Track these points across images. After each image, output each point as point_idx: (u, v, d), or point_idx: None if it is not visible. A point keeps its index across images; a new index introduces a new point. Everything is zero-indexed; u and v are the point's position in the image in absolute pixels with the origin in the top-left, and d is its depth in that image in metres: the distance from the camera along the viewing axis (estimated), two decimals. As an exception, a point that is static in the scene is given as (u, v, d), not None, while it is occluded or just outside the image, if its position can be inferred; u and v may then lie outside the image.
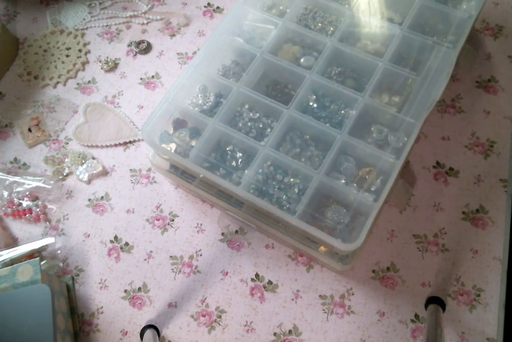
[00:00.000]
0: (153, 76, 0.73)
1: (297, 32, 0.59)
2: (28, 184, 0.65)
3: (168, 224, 0.63)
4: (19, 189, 0.65)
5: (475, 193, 0.62)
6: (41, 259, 0.61)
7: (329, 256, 0.54)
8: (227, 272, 0.60)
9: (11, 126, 0.71)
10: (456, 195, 0.62)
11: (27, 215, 0.64)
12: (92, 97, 0.72)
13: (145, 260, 0.62)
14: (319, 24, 0.60)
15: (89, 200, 0.66)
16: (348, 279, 0.59)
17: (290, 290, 0.59)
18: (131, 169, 0.67)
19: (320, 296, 0.58)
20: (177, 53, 0.75)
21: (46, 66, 0.75)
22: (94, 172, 0.66)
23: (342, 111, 0.55)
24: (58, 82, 0.74)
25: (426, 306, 0.57)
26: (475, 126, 0.66)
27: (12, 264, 0.56)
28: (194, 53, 0.74)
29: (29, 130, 0.70)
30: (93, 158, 0.68)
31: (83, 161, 0.67)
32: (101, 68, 0.74)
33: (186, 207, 0.64)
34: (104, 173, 0.67)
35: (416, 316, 0.57)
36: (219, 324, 0.58)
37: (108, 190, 0.66)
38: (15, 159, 0.69)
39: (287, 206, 0.51)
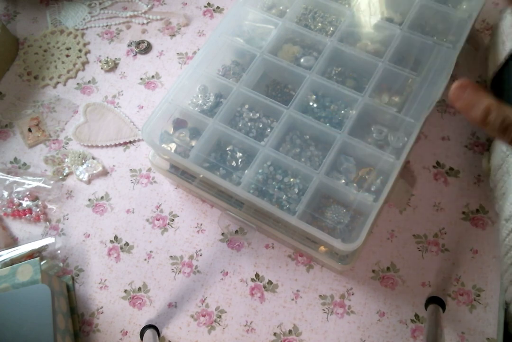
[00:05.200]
0: (153, 76, 0.73)
1: (297, 32, 0.59)
2: (28, 184, 0.65)
3: (168, 224, 0.63)
4: (19, 189, 0.65)
5: (475, 193, 0.62)
6: (41, 259, 0.61)
7: (329, 256, 0.54)
8: (227, 272, 0.60)
9: (11, 126, 0.71)
10: (456, 195, 0.62)
11: (27, 215, 0.64)
12: (92, 97, 0.72)
13: (145, 260, 0.62)
14: (319, 24, 0.60)
15: (89, 200, 0.66)
16: (348, 279, 0.59)
17: (290, 290, 0.59)
18: (131, 170, 0.67)
19: (320, 296, 0.58)
20: (177, 53, 0.75)
21: (46, 66, 0.75)
22: (94, 171, 0.66)
23: (342, 111, 0.55)
24: (58, 82, 0.74)
25: (426, 306, 0.57)
26: (475, 126, 0.66)
27: (12, 264, 0.57)
28: (194, 53, 0.74)
29: (29, 130, 0.70)
30: (93, 158, 0.68)
31: (83, 161, 0.67)
32: (101, 68, 0.74)
33: (186, 207, 0.64)
34: (104, 172, 0.67)
35: (416, 316, 0.57)
36: (219, 324, 0.58)
37: (108, 190, 0.66)
38: (15, 159, 0.69)
39: (287, 206, 0.51)
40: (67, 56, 0.75)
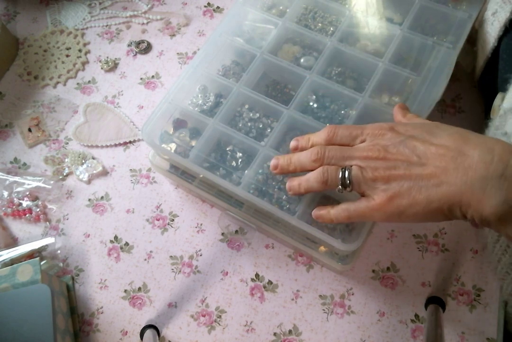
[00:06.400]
0: (153, 76, 0.73)
1: (297, 32, 0.59)
2: (28, 184, 0.65)
3: (168, 224, 0.63)
4: (19, 189, 0.65)
5: (475, 193, 0.62)
6: (41, 259, 0.61)
7: (329, 256, 0.54)
8: (227, 272, 0.60)
9: (11, 126, 0.71)
10: (456, 195, 0.62)
11: (27, 215, 0.64)
12: (92, 97, 0.72)
13: (145, 260, 0.62)
14: (319, 24, 0.60)
15: (89, 200, 0.66)
16: (348, 279, 0.59)
17: (290, 290, 0.59)
18: (131, 169, 0.67)
19: (320, 296, 0.58)
20: (177, 53, 0.75)
21: (46, 66, 0.75)
22: (94, 172, 0.67)
23: (342, 112, 0.55)
24: (58, 82, 0.74)
25: (426, 306, 0.57)
26: (475, 126, 0.66)
27: (12, 264, 0.57)
28: (194, 53, 0.74)
29: (29, 130, 0.70)
30: (93, 158, 0.68)
31: (83, 161, 0.67)
32: (101, 68, 0.74)
33: (186, 207, 0.64)
34: (104, 173, 0.67)
35: (416, 316, 0.57)
36: (219, 324, 0.58)
37: (108, 190, 0.66)
38: (15, 159, 0.69)
39: (287, 206, 0.51)
40: (67, 56, 0.76)
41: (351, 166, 0.41)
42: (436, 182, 0.37)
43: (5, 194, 0.65)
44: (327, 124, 0.53)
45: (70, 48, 0.76)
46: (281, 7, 0.62)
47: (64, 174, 0.67)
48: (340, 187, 0.42)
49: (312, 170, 0.44)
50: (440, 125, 0.42)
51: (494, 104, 0.53)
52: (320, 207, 0.46)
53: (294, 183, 0.46)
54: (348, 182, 0.41)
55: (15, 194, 0.65)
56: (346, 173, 0.41)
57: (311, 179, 0.44)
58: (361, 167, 0.41)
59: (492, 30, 0.55)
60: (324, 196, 0.54)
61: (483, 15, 0.59)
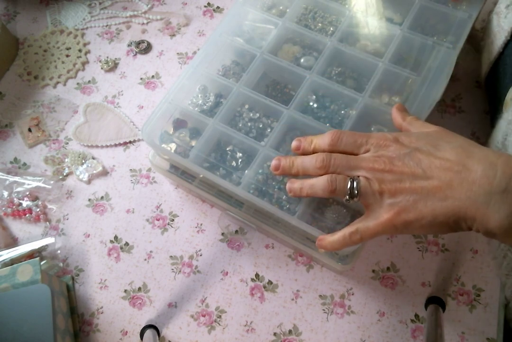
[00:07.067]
0: (153, 76, 0.73)
1: (297, 32, 0.59)
2: (28, 184, 0.65)
3: (168, 224, 0.63)
4: (19, 189, 0.65)
5: (475, 193, 0.62)
6: (41, 259, 0.61)
7: (329, 256, 0.54)
8: (227, 272, 0.60)
9: (11, 126, 0.71)
10: (456, 195, 0.62)
11: (27, 215, 0.64)
12: (92, 97, 0.72)
13: (145, 260, 0.62)
14: (319, 24, 0.60)
15: (89, 200, 0.66)
16: (348, 279, 0.59)
17: (290, 290, 0.59)
18: (131, 169, 0.67)
19: (320, 296, 0.58)
20: (177, 53, 0.75)
21: (46, 66, 0.75)
22: (94, 172, 0.67)
23: (342, 112, 0.55)
24: (58, 82, 0.74)
25: (426, 306, 0.57)
26: (475, 126, 0.66)
27: (12, 264, 0.57)
28: (194, 53, 0.74)
29: (29, 130, 0.70)
30: (93, 158, 0.68)
31: (83, 161, 0.67)
32: (101, 68, 0.74)
33: (186, 207, 0.64)
34: (104, 173, 0.67)
35: (416, 316, 0.57)
36: (219, 324, 0.58)
37: (108, 190, 0.66)
38: (15, 159, 0.69)
39: (287, 206, 0.51)
40: (67, 56, 0.76)
41: (358, 177, 0.42)
42: (441, 196, 0.38)
43: (5, 194, 0.65)
44: (327, 125, 0.53)
45: (70, 48, 0.76)
46: (281, 7, 0.62)
47: (64, 174, 0.67)
48: (347, 197, 0.42)
49: (314, 175, 0.44)
50: (443, 135, 0.42)
51: (506, 98, 0.52)
52: (325, 236, 0.46)
53: (295, 186, 0.46)
54: (356, 192, 0.41)
55: (15, 194, 0.65)
56: (355, 183, 0.41)
57: (316, 186, 0.43)
58: (368, 179, 0.41)
59: (505, 24, 0.54)
60: (324, 196, 0.54)
61: (491, 11, 0.59)
